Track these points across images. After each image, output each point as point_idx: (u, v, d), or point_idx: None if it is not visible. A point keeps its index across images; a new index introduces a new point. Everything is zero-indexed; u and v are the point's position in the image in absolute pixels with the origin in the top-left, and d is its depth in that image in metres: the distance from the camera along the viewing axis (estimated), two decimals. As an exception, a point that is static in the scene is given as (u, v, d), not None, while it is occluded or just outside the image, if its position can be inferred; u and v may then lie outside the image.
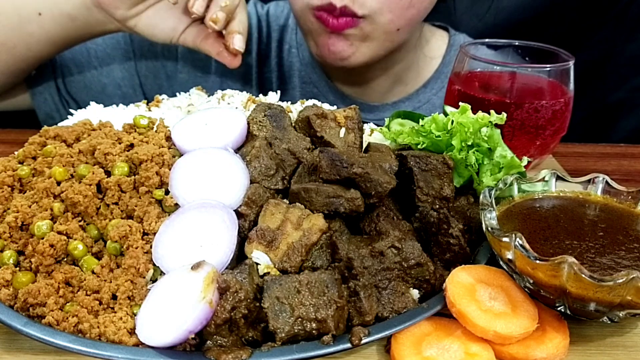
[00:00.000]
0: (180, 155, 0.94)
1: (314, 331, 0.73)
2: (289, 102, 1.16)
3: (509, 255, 0.77)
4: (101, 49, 1.54)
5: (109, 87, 1.54)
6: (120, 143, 0.94)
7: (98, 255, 0.84)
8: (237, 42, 1.20)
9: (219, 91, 1.21)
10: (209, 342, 0.72)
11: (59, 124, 1.05)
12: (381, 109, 1.60)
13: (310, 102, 1.17)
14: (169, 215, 0.85)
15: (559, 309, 0.78)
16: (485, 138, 0.95)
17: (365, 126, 1.10)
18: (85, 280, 0.80)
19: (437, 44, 1.63)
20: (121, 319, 0.75)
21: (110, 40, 1.53)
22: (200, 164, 0.89)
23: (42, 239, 0.81)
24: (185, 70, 1.60)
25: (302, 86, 1.63)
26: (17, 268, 0.82)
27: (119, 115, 1.11)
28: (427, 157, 0.92)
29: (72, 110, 1.17)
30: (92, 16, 1.25)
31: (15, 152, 0.97)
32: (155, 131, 1.00)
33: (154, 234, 0.83)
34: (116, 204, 0.87)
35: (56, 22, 1.28)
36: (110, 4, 1.22)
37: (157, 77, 1.59)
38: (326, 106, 1.13)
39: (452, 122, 0.95)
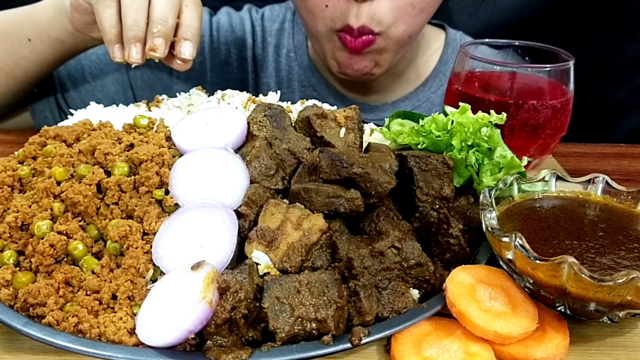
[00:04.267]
0: (180, 155, 0.94)
1: (314, 331, 0.73)
2: (289, 102, 1.16)
3: (509, 255, 0.77)
4: (95, 65, 1.56)
5: (103, 101, 1.56)
6: (120, 143, 0.94)
7: (98, 255, 0.84)
8: (186, 50, 1.06)
9: (219, 91, 1.21)
10: (209, 342, 0.72)
11: (59, 124, 1.05)
12: (381, 108, 1.60)
13: (311, 102, 1.17)
14: (169, 215, 0.85)
15: (559, 309, 0.78)
16: (485, 138, 0.95)
17: (366, 126, 1.10)
18: (85, 280, 0.80)
19: (434, 42, 1.64)
20: (121, 319, 0.75)
21: (103, 56, 1.54)
22: (200, 164, 0.89)
23: (42, 239, 0.81)
24: (181, 81, 1.61)
25: (302, 90, 1.64)
26: (17, 268, 0.82)
27: (119, 115, 1.11)
28: (427, 157, 0.92)
29: (72, 110, 1.17)
30: (79, 37, 1.27)
31: (15, 152, 0.97)
32: (155, 131, 1.00)
33: (154, 234, 0.83)
34: (116, 204, 0.87)
35: (46, 46, 1.31)
36: (85, 30, 1.22)
37: (153, 89, 1.60)
38: (326, 106, 1.13)
39: (452, 122, 0.95)
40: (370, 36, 1.30)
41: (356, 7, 1.26)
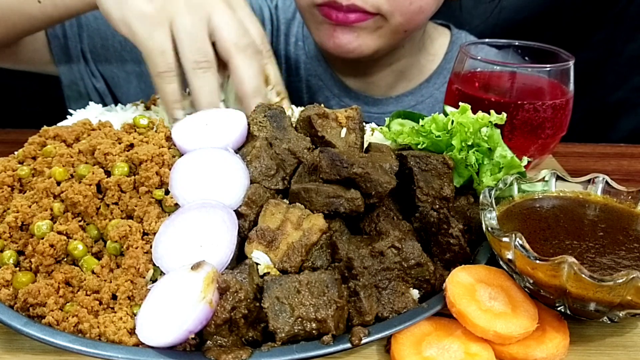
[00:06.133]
0: (181, 155, 0.94)
1: (314, 331, 0.73)
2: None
3: (509, 255, 0.77)
4: None
5: (129, 64, 1.53)
6: (120, 143, 0.94)
7: (98, 255, 0.84)
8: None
9: None
10: (209, 342, 0.72)
11: (59, 124, 1.05)
12: (385, 102, 1.62)
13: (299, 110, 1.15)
14: (169, 215, 0.85)
15: (559, 309, 0.78)
16: (485, 138, 0.95)
17: (367, 126, 1.10)
18: (85, 280, 0.80)
19: (439, 41, 1.66)
20: (121, 319, 0.75)
21: None
22: (200, 164, 0.89)
23: (42, 239, 0.81)
24: None
25: (308, 79, 1.65)
26: (17, 268, 0.82)
27: (119, 116, 1.11)
28: (427, 157, 0.92)
29: (71, 110, 1.17)
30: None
31: (15, 152, 0.97)
32: (155, 131, 1.00)
33: (154, 234, 0.83)
34: (116, 204, 0.87)
35: (58, 10, 1.24)
36: None
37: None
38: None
39: (452, 122, 0.95)
40: (364, 14, 1.30)
41: None
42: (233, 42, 1.00)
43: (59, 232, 0.82)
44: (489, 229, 0.79)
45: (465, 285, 0.78)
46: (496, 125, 0.96)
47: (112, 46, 1.51)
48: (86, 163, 0.91)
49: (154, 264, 0.81)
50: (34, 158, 0.95)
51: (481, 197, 0.85)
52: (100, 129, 1.00)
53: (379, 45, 1.39)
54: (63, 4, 1.22)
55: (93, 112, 1.13)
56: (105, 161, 0.90)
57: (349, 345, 0.72)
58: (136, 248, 0.81)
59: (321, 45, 1.44)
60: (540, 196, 0.91)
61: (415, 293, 0.81)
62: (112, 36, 1.50)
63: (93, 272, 0.81)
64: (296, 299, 0.74)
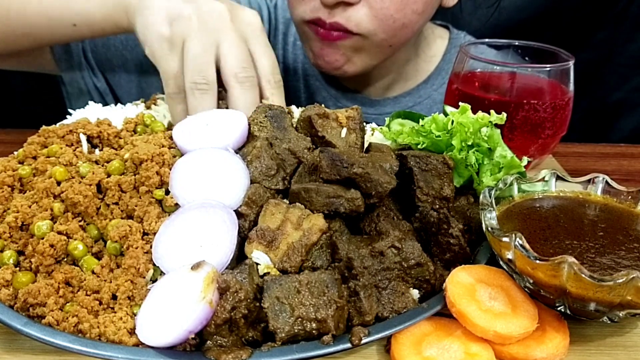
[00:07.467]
0: (181, 155, 0.94)
1: (314, 331, 0.73)
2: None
3: (509, 255, 0.77)
4: None
5: (130, 63, 1.54)
6: (120, 148, 0.94)
7: (98, 255, 0.84)
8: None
9: None
10: (209, 342, 0.72)
11: (58, 124, 1.05)
12: (382, 103, 1.62)
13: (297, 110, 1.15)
14: (169, 215, 0.85)
15: (559, 309, 0.78)
16: (485, 138, 0.95)
17: (367, 126, 1.10)
18: (85, 280, 0.80)
19: (437, 43, 1.66)
20: (121, 319, 0.75)
21: None
22: (200, 164, 0.89)
23: (42, 239, 0.81)
24: None
25: (306, 79, 1.66)
26: (17, 268, 0.82)
27: (118, 115, 1.11)
28: (427, 157, 0.92)
29: (71, 110, 1.17)
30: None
31: (15, 152, 0.97)
32: (156, 131, 1.00)
33: (154, 234, 0.82)
34: (116, 204, 0.87)
35: (92, 32, 1.29)
36: None
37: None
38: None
39: (452, 122, 0.95)
40: (346, 33, 1.32)
41: (328, 9, 1.29)
42: (233, 72, 1.04)
43: (59, 232, 0.82)
44: (489, 229, 0.79)
45: (465, 285, 0.78)
46: (496, 125, 0.96)
47: (114, 45, 1.52)
48: (86, 163, 0.91)
49: (154, 264, 0.81)
50: (35, 158, 0.95)
51: (481, 197, 0.85)
52: (99, 127, 1.00)
53: (367, 63, 1.42)
54: (100, 29, 1.26)
55: (92, 112, 1.13)
56: (105, 161, 0.90)
57: (349, 345, 0.72)
58: (136, 248, 0.81)
59: (313, 62, 1.47)
60: (540, 196, 0.91)
61: (415, 293, 0.81)
62: (113, 35, 1.50)
63: (93, 272, 0.81)
64: (296, 299, 0.74)
